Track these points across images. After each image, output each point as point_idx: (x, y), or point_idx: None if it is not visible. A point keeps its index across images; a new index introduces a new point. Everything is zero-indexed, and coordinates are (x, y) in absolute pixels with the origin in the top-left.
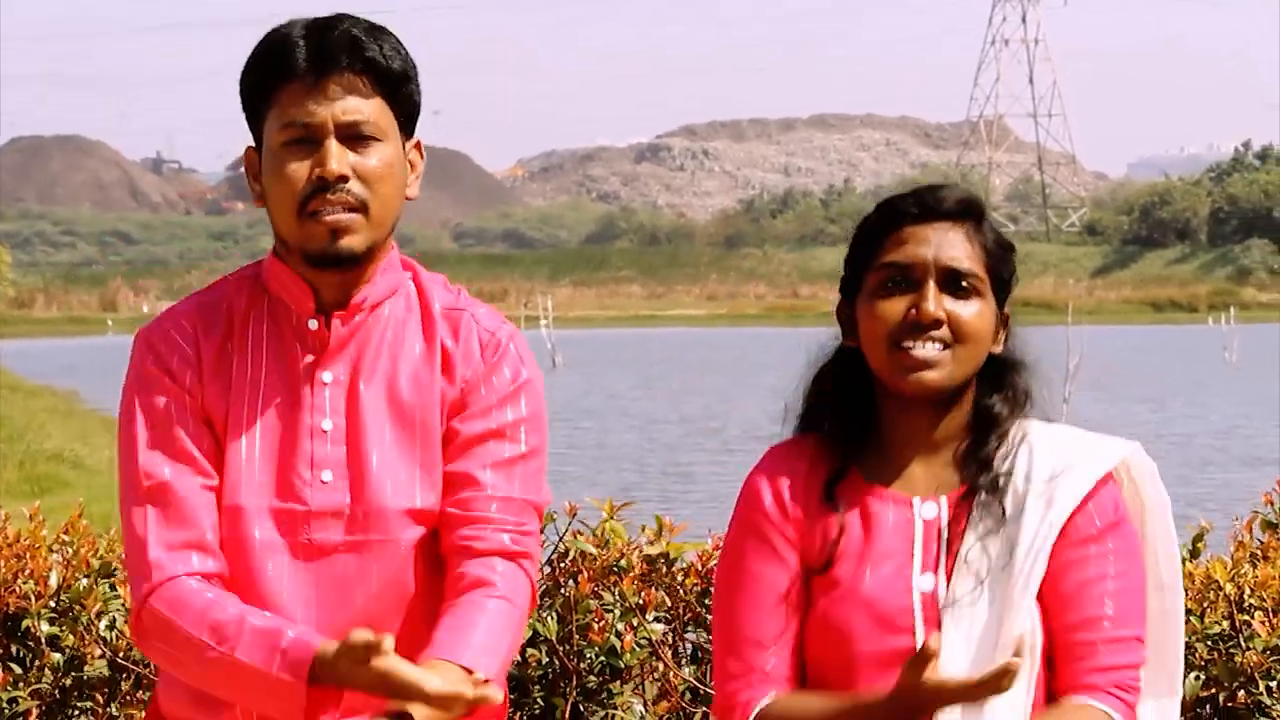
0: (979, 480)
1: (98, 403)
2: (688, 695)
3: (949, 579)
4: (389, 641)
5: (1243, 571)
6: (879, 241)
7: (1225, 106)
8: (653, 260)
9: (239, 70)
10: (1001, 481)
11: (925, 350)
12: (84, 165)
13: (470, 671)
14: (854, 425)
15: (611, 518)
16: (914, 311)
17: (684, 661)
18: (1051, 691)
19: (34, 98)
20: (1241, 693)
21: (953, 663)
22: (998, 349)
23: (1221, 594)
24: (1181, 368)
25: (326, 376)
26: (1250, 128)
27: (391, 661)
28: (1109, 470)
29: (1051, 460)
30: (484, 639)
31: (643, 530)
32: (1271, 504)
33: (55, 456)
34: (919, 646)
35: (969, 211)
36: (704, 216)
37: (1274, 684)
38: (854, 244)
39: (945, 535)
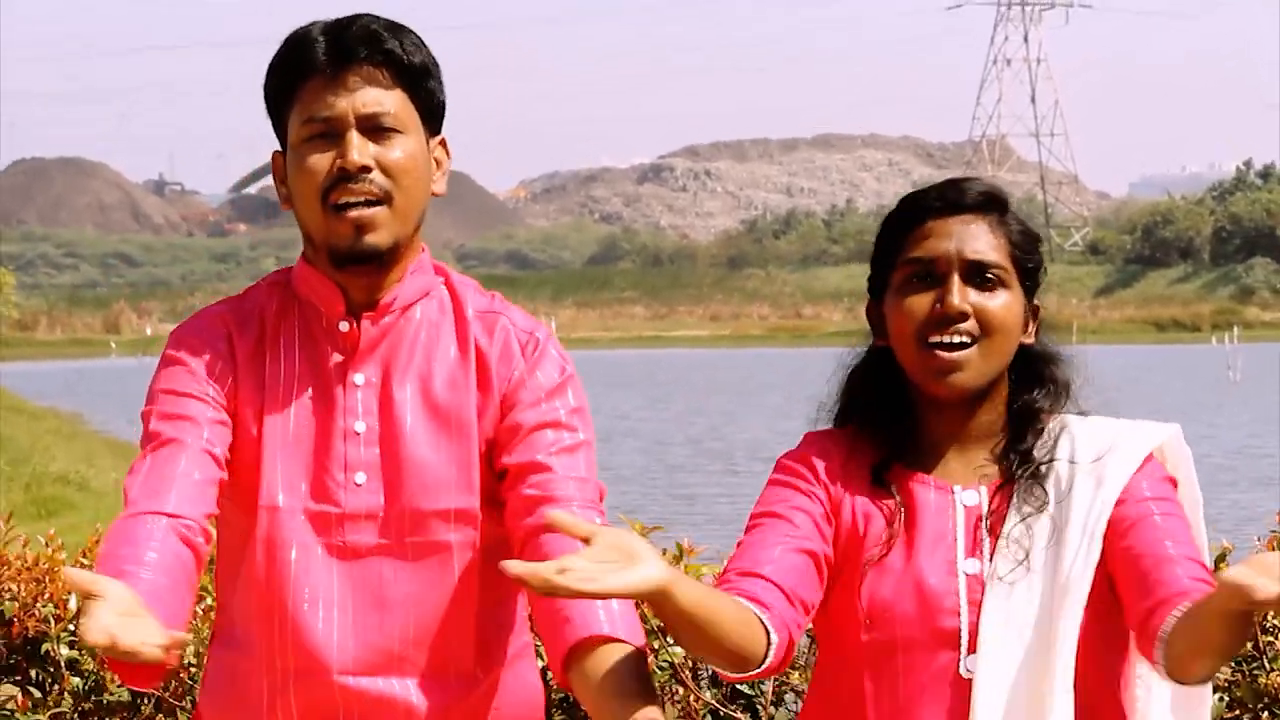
0: (1020, 470)
1: (101, 424)
2: (709, 718)
3: (992, 562)
4: (102, 585)
5: None
6: (903, 238)
7: (1228, 125)
8: (656, 281)
9: (243, 91)
10: (1043, 468)
11: (953, 347)
12: (86, 187)
13: (631, 645)
14: (889, 423)
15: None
16: (939, 305)
17: (705, 684)
18: (1137, 626)
19: (36, 118)
20: (1266, 714)
21: (996, 642)
22: (1028, 340)
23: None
24: (1186, 387)
25: (358, 378)
26: (1252, 146)
27: (90, 607)
28: (1153, 449)
29: (1095, 443)
30: (620, 607)
31: (664, 553)
32: None
33: (61, 479)
34: (962, 629)
35: (992, 204)
36: (707, 237)
37: None
38: (879, 241)
39: (987, 522)
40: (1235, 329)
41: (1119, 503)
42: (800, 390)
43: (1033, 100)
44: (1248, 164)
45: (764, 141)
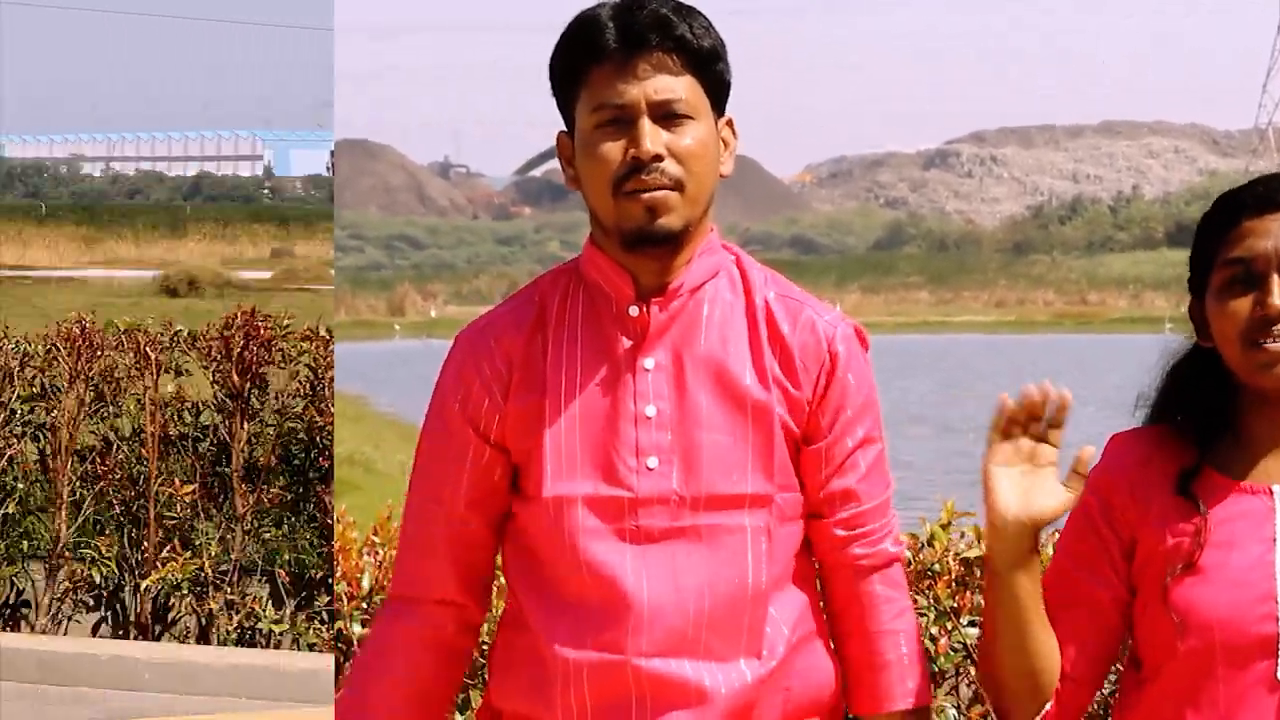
0: None
1: (386, 407)
2: None
3: None
4: None
5: None
6: (1220, 238)
7: None
8: (941, 267)
9: (527, 74)
10: None
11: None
12: (371, 170)
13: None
14: (1209, 422)
15: (947, 525)
16: (1259, 308)
17: None
18: None
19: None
20: None
21: None
22: None
23: None
24: None
25: (648, 363)
26: None
27: None
28: None
29: None
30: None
31: (960, 535)
32: None
33: (347, 460)
34: None
35: None
36: (992, 223)
37: None
38: (1196, 242)
39: None
40: None
41: None
42: (1088, 379)
43: None
44: None
45: (1050, 128)
